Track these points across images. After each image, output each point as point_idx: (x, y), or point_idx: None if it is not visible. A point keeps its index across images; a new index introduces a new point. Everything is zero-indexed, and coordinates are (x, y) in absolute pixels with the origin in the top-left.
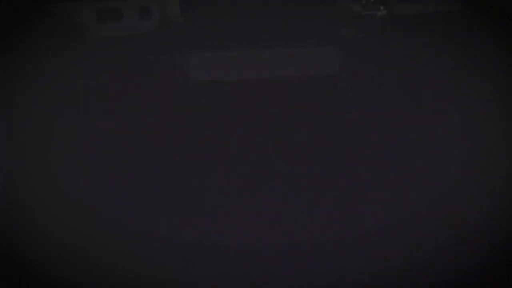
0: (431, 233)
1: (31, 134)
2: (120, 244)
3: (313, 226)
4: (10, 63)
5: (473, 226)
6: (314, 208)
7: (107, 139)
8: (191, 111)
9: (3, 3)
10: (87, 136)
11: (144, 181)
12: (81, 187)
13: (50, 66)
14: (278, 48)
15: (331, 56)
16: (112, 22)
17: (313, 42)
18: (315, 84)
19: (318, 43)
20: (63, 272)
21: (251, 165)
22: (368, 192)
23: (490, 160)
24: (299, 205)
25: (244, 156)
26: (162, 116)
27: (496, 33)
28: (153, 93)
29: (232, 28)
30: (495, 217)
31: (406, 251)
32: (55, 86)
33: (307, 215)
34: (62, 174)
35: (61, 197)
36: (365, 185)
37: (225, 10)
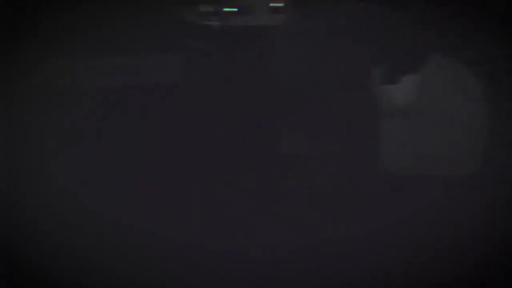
0: (431, 233)
1: (31, 134)
2: (120, 244)
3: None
4: None
5: (473, 226)
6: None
7: (107, 138)
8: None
9: None
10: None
11: (144, 181)
12: (81, 187)
13: None
14: (117, 56)
15: (172, 65)
16: None
17: (154, 51)
18: (159, 94)
19: (159, 52)
20: (63, 272)
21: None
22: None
23: (489, 160)
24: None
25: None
26: None
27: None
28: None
29: (68, 35)
30: (496, 217)
31: (406, 252)
32: None
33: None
34: (62, 174)
35: (62, 197)
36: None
37: (60, 17)
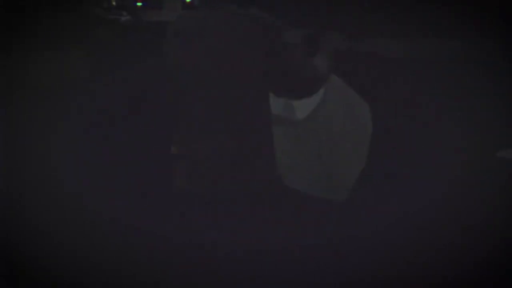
0: (431, 233)
1: (31, 134)
2: (120, 244)
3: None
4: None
5: (473, 226)
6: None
7: (107, 138)
8: None
9: None
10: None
11: (144, 181)
12: (81, 187)
13: None
14: (22, 51)
15: (82, 60)
16: None
17: (62, 45)
18: (66, 90)
19: (68, 47)
20: (63, 272)
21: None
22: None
23: (489, 160)
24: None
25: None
26: None
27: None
28: None
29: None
30: (495, 217)
31: (406, 252)
32: None
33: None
34: (62, 174)
35: (62, 197)
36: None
37: None
